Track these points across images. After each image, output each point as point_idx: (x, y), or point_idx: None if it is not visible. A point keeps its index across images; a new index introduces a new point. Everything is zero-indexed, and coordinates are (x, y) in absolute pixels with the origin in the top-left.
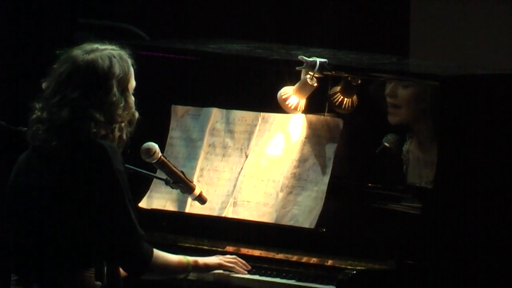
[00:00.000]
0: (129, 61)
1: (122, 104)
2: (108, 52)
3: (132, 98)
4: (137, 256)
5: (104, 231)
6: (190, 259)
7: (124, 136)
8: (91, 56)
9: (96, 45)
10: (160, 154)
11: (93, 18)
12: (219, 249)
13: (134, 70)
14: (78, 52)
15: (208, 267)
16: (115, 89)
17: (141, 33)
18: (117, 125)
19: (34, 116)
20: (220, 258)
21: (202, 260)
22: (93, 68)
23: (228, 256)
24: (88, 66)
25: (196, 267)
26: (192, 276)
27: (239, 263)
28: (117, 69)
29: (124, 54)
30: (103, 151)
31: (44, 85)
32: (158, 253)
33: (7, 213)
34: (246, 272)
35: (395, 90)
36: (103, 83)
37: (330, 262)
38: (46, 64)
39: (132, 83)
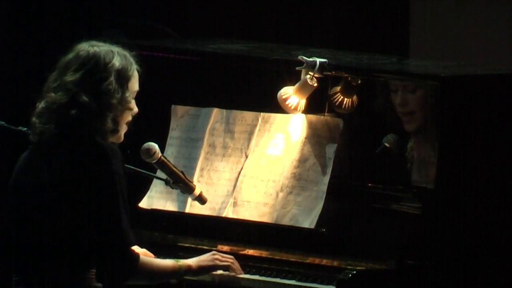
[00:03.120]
0: (134, 63)
1: (118, 95)
2: (113, 49)
3: (132, 101)
4: (121, 263)
5: (94, 233)
6: (183, 264)
7: (120, 131)
8: (95, 48)
9: (102, 43)
10: (160, 154)
11: (122, 16)
12: (219, 249)
13: (139, 74)
14: (82, 45)
15: (203, 269)
16: (112, 78)
17: (171, 31)
18: (110, 115)
19: (37, 110)
20: (215, 257)
21: (196, 264)
22: (94, 56)
23: (225, 255)
24: (89, 55)
25: (189, 271)
26: (192, 276)
27: (235, 263)
28: (117, 62)
29: (129, 56)
30: (104, 152)
31: (48, 79)
32: (145, 260)
33: (9, 212)
34: (242, 272)
35: (405, 98)
36: (102, 71)
37: (330, 262)
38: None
39: (134, 85)
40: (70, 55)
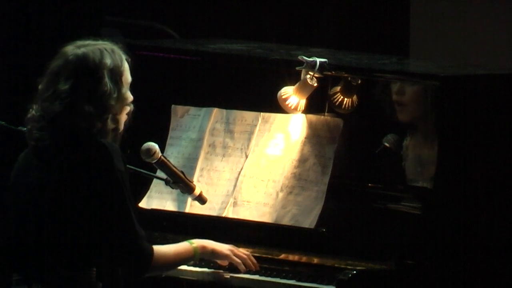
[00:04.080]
0: (123, 55)
1: (115, 95)
2: (100, 46)
3: (128, 93)
4: (137, 257)
5: (104, 231)
6: (198, 245)
7: (120, 129)
8: (82, 49)
9: (87, 41)
10: (160, 154)
11: (121, 16)
12: None
13: (129, 65)
14: (69, 48)
15: (217, 254)
16: (106, 79)
17: (171, 31)
18: (109, 116)
19: (29, 115)
20: (231, 250)
21: (211, 246)
22: (83, 60)
23: (241, 249)
24: (78, 59)
25: (204, 252)
26: (192, 276)
27: (248, 261)
28: (108, 60)
29: (117, 48)
30: (104, 150)
31: (40, 86)
32: (160, 251)
33: (9, 212)
34: (257, 267)
35: (402, 88)
36: (94, 73)
37: (330, 262)
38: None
39: (127, 77)
40: (59, 61)
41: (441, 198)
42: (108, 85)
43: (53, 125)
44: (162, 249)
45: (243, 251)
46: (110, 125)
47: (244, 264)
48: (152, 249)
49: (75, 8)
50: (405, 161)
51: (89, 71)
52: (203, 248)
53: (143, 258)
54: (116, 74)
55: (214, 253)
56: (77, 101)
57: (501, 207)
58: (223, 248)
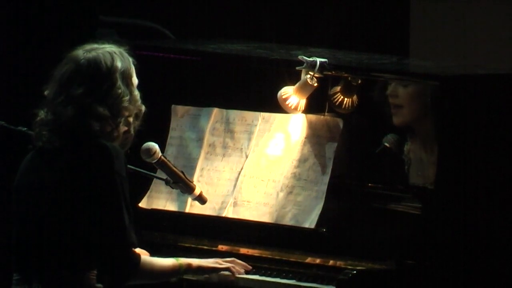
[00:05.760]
0: (130, 58)
1: (127, 97)
2: (109, 49)
3: (137, 93)
4: (122, 264)
5: (95, 233)
6: (183, 262)
7: (132, 131)
8: (92, 53)
9: (95, 45)
10: (160, 154)
11: (116, 16)
12: (219, 249)
13: (135, 67)
14: (78, 52)
15: (203, 270)
16: (119, 82)
17: (166, 31)
18: (122, 119)
19: (38, 118)
20: (216, 261)
21: (196, 262)
22: (95, 64)
23: (227, 259)
24: (90, 63)
25: (189, 269)
26: (192, 276)
27: (236, 265)
28: (119, 63)
29: (124, 51)
30: (106, 152)
31: (46, 92)
32: (146, 261)
33: (11, 213)
34: (243, 271)
35: (396, 90)
36: (107, 77)
37: (330, 262)
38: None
39: (135, 79)
40: (70, 66)
41: (441, 198)
42: (122, 88)
43: (65, 128)
44: (148, 259)
45: (227, 259)
46: (122, 128)
47: (234, 268)
48: (139, 257)
49: (71, 9)
50: (407, 166)
51: (102, 75)
52: (189, 265)
53: (129, 264)
54: (127, 76)
55: (200, 269)
56: (91, 105)
57: (501, 207)
58: (209, 262)
